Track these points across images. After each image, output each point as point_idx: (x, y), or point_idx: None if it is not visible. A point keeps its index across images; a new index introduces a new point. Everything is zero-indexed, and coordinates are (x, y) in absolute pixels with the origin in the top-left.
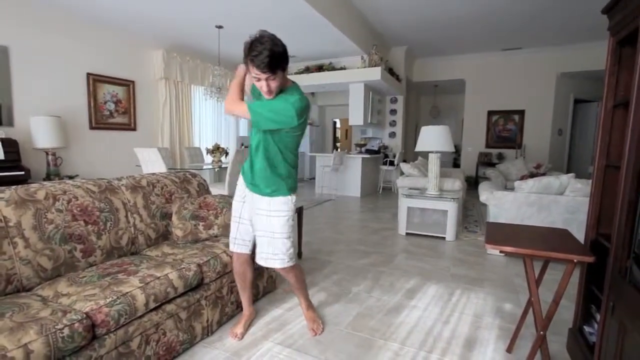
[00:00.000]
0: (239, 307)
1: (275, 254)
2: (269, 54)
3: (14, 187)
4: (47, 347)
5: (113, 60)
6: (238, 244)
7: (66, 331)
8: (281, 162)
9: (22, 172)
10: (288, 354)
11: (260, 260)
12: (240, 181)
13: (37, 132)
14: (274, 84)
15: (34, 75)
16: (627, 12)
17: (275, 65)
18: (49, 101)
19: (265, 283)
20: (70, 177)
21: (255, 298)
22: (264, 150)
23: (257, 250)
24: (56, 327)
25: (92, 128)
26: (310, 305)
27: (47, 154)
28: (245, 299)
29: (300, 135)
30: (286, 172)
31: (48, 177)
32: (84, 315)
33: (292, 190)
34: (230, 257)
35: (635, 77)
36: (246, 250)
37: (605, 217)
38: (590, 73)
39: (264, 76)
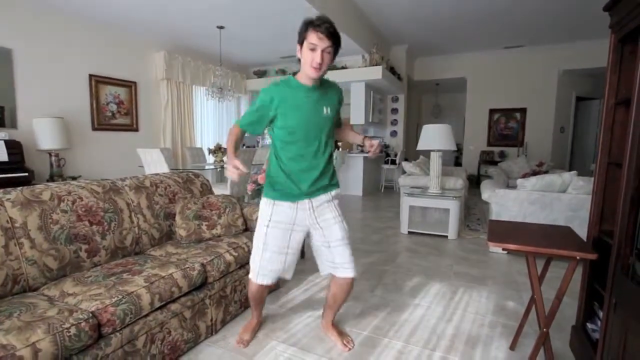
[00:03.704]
0: (242, 306)
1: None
2: (334, 26)
3: (19, 188)
4: (55, 346)
5: (115, 61)
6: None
7: (73, 330)
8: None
9: (26, 174)
10: (293, 353)
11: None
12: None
13: (40, 133)
14: (327, 59)
15: (37, 77)
16: (629, 9)
17: (337, 37)
18: (51, 103)
19: None
20: (74, 178)
21: None
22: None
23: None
24: (63, 326)
25: (94, 129)
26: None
27: (50, 155)
28: (259, 310)
29: None
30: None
31: (51, 179)
32: (90, 315)
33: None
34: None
35: (636, 75)
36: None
37: (607, 215)
38: (591, 70)
39: (323, 44)
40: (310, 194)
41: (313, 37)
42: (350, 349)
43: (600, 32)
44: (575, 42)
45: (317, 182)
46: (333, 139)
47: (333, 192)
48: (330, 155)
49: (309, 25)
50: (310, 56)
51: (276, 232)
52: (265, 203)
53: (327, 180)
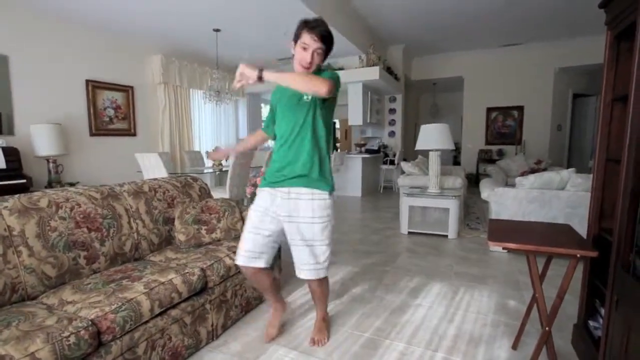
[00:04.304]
0: (243, 310)
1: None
2: (328, 29)
3: (16, 195)
4: (54, 355)
5: (111, 66)
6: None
7: (72, 339)
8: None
9: (24, 181)
10: (294, 357)
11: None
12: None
13: (38, 140)
14: (317, 59)
15: (34, 84)
16: (624, 6)
17: (329, 40)
18: (49, 109)
19: None
20: (72, 185)
21: (259, 301)
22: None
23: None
24: (62, 335)
25: (92, 134)
26: (326, 317)
27: (48, 161)
28: (272, 297)
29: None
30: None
31: (49, 185)
32: (90, 323)
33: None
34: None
35: (633, 71)
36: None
37: (607, 211)
38: (588, 67)
39: (314, 46)
40: (288, 181)
41: (306, 38)
42: (314, 346)
43: (596, 29)
44: (570, 39)
45: (292, 168)
46: (317, 128)
47: (317, 192)
48: (314, 146)
49: (304, 25)
50: (301, 54)
51: (253, 213)
52: (258, 191)
53: (306, 170)
